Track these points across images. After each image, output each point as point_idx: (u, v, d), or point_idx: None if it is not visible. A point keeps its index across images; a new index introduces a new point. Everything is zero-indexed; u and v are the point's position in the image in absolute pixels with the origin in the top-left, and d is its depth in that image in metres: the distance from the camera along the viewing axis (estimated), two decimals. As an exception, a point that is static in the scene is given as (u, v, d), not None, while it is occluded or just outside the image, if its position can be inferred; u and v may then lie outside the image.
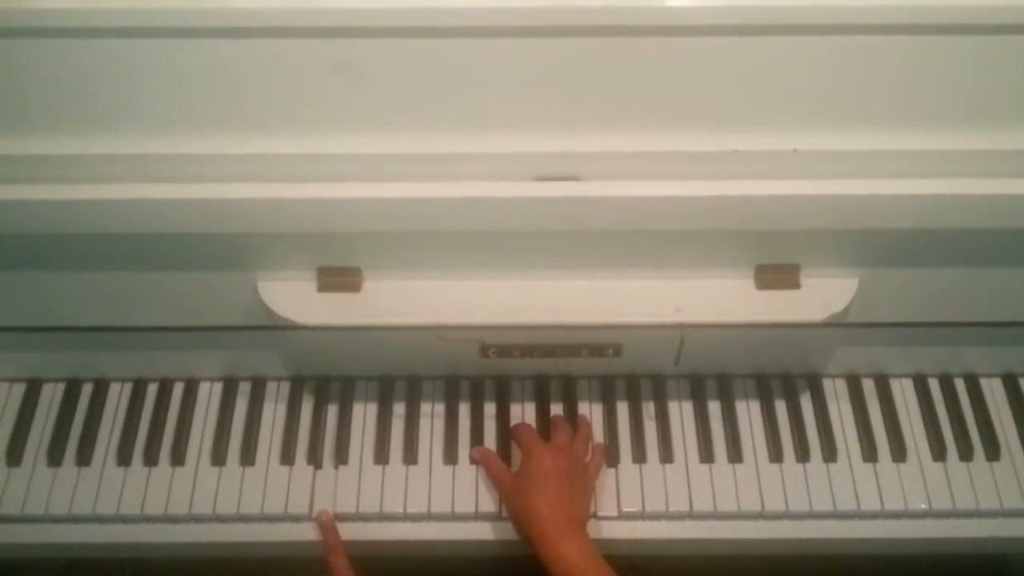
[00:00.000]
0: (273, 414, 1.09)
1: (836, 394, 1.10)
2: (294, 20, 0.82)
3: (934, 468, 1.05)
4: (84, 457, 1.05)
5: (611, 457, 1.05)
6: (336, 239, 0.93)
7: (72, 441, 1.06)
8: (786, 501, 1.02)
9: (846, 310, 0.95)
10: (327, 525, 1.00)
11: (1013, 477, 1.04)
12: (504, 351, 1.03)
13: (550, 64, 0.85)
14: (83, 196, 0.86)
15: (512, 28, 0.83)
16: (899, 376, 1.11)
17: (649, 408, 1.09)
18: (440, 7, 0.82)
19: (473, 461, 1.05)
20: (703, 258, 0.95)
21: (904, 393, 1.10)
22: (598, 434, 1.07)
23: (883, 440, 1.06)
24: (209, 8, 0.82)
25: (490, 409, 1.09)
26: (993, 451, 1.05)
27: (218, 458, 1.05)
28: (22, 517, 1.02)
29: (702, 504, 1.02)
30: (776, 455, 1.05)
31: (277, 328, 0.97)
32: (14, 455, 1.05)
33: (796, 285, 0.96)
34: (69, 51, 0.84)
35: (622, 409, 1.09)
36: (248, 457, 1.05)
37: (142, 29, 0.83)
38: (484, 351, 1.03)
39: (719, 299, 0.96)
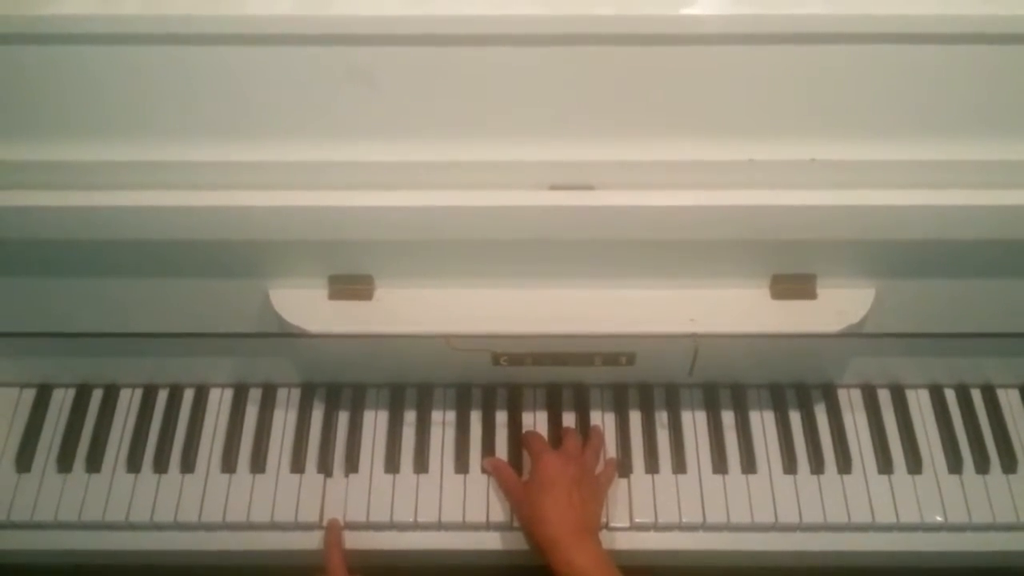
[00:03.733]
0: (284, 421, 1.08)
1: (851, 405, 1.09)
2: (307, 27, 0.82)
3: (950, 480, 1.04)
4: (94, 463, 1.05)
5: (624, 467, 1.05)
6: (348, 247, 0.92)
7: (82, 447, 1.06)
8: (800, 513, 1.01)
9: (863, 321, 0.94)
10: (330, 522, 1.00)
11: (1030, 490, 1.03)
12: (516, 360, 1.02)
13: (564, 72, 0.85)
14: (95, 203, 0.86)
15: (527, 36, 0.83)
16: (915, 387, 1.10)
17: (662, 417, 1.08)
18: (454, 15, 0.81)
19: (484, 471, 1.04)
20: (718, 268, 0.94)
21: (920, 404, 1.09)
22: (610, 443, 1.07)
23: (898, 451, 1.05)
24: (222, 15, 0.81)
25: (502, 418, 1.08)
26: (1010, 463, 1.04)
27: (228, 465, 1.05)
28: (31, 523, 1.02)
29: (715, 515, 1.01)
30: (790, 466, 1.04)
31: (288, 336, 0.97)
32: (24, 461, 1.05)
33: (812, 295, 0.95)
34: (83, 58, 0.83)
35: (635, 418, 1.08)
36: (258, 464, 1.05)
37: (154, 36, 0.82)
38: (496, 360, 1.02)
39: (734, 309, 0.95)
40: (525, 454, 1.05)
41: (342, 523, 1.01)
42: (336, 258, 0.94)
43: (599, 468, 1.03)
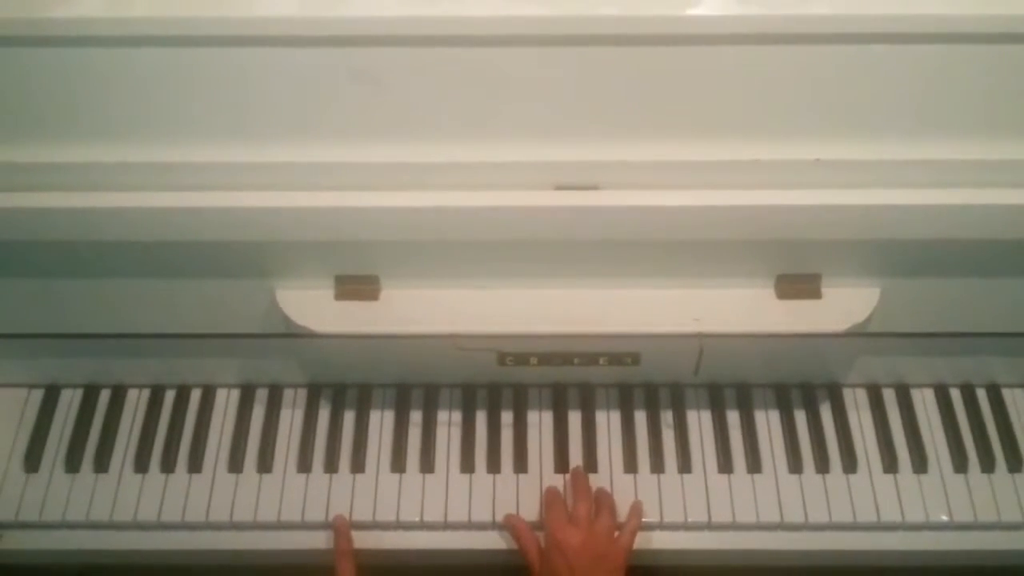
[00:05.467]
0: (290, 421, 1.09)
1: (856, 404, 1.09)
2: (314, 29, 0.82)
3: (955, 479, 1.04)
4: (102, 463, 1.05)
5: (629, 466, 1.05)
6: (354, 248, 0.93)
7: (90, 447, 1.07)
8: (805, 512, 1.01)
9: (868, 320, 0.94)
10: (341, 529, 1.00)
11: (1035, 489, 1.03)
12: (521, 360, 1.02)
13: (570, 73, 0.85)
14: (102, 204, 0.87)
15: (532, 37, 0.83)
16: (920, 386, 1.10)
17: (667, 417, 1.08)
18: (460, 16, 0.82)
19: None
20: (723, 267, 0.94)
21: (925, 403, 1.09)
22: (616, 443, 1.07)
23: (904, 451, 1.05)
24: (228, 17, 0.82)
25: (507, 418, 1.08)
26: (1015, 462, 1.04)
27: (235, 465, 1.05)
28: (40, 523, 1.02)
29: (721, 514, 1.01)
30: (796, 465, 1.04)
31: (295, 336, 0.97)
32: (32, 461, 1.05)
33: (817, 295, 0.95)
34: (88, 60, 0.84)
35: (640, 418, 1.08)
36: (265, 464, 1.05)
37: (161, 38, 0.83)
38: (501, 360, 1.02)
39: (739, 309, 0.95)
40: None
41: (347, 521, 1.01)
42: (342, 258, 0.94)
43: (615, 520, 0.99)
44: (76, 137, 0.88)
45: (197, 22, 0.82)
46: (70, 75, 0.85)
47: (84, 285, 0.97)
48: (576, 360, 1.03)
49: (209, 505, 1.03)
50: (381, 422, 1.08)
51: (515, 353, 1.02)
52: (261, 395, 1.10)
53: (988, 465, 1.04)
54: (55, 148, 0.87)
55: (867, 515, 1.01)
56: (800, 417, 1.08)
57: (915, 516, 1.01)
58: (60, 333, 1.03)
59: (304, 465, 1.05)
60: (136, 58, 0.84)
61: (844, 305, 0.95)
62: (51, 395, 1.10)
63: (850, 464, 1.04)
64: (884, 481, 1.03)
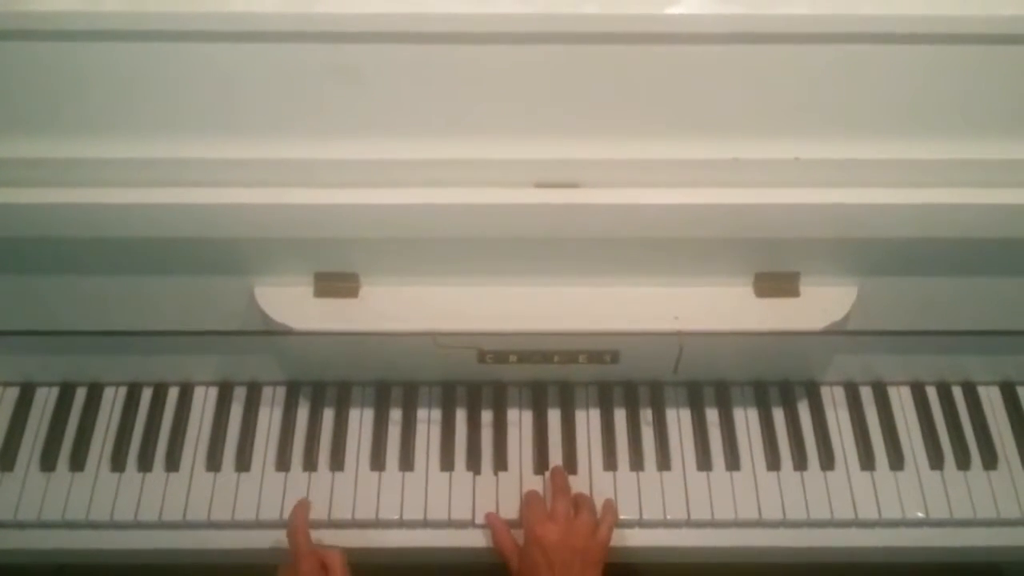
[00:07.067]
0: (269, 419, 1.08)
1: (834, 402, 1.10)
2: (293, 25, 0.82)
3: (931, 476, 1.05)
4: (78, 462, 1.04)
5: (609, 464, 1.05)
6: (333, 245, 0.92)
7: (66, 446, 1.06)
8: (783, 509, 1.02)
9: (845, 318, 0.95)
10: (296, 506, 0.98)
11: (1010, 486, 1.04)
12: (501, 357, 1.02)
13: (550, 71, 0.85)
14: (79, 200, 0.86)
15: (512, 34, 0.83)
16: (897, 384, 1.11)
17: (647, 415, 1.08)
18: (440, 13, 0.82)
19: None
20: (702, 265, 0.95)
21: (902, 401, 1.10)
22: (595, 441, 1.07)
23: (880, 448, 1.06)
24: (207, 12, 0.81)
25: (487, 416, 1.08)
26: (990, 460, 1.05)
27: (213, 464, 1.04)
28: (14, 523, 1.01)
29: (699, 512, 1.02)
30: (774, 463, 1.05)
31: (273, 333, 0.97)
32: (7, 460, 1.04)
33: (795, 293, 0.96)
34: (66, 54, 0.83)
35: (620, 416, 1.08)
36: (243, 463, 1.04)
37: (139, 32, 0.82)
38: (481, 357, 1.02)
39: (718, 307, 0.96)
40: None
41: (307, 502, 1.01)
42: (322, 255, 0.94)
43: (598, 516, 0.99)
44: (52, 133, 0.87)
45: (172, 17, 0.82)
46: (44, 70, 0.84)
47: (60, 282, 0.96)
48: (556, 358, 1.03)
49: (187, 504, 1.02)
50: (361, 420, 1.08)
51: (495, 351, 1.02)
52: (239, 393, 1.10)
53: (963, 462, 1.05)
54: (29, 143, 0.86)
55: (844, 512, 1.02)
56: (778, 415, 1.08)
57: (891, 513, 1.02)
58: (35, 330, 1.02)
59: (283, 463, 1.04)
60: (112, 53, 0.83)
61: (822, 303, 0.95)
62: (26, 393, 1.09)
63: (828, 461, 1.05)
64: (861, 478, 1.04)
